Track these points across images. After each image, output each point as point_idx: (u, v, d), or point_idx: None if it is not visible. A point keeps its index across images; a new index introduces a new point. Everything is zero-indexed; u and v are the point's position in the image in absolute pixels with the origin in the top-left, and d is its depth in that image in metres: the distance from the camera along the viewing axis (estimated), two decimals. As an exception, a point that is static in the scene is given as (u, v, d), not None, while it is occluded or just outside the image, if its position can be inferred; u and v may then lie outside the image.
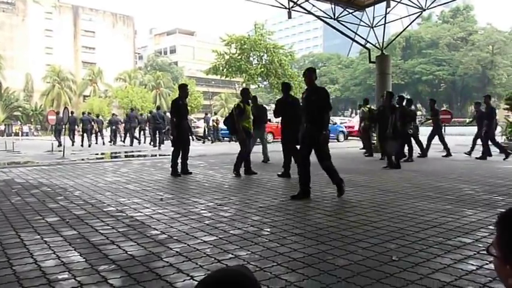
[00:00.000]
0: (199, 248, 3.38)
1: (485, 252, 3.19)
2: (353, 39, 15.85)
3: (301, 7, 14.22)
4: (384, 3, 14.46)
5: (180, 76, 68.62)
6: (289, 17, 13.92)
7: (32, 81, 58.24)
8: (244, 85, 36.59)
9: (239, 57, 33.52)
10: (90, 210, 4.78)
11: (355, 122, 26.49)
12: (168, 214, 4.59)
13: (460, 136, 18.31)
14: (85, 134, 19.68)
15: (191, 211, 4.73)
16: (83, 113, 22.26)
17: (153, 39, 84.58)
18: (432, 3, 14.81)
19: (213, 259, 3.11)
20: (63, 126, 17.46)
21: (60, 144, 15.11)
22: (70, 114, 16.27)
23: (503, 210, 0.96)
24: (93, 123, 20.77)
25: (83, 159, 12.29)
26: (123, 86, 57.04)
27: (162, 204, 5.10)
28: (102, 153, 15.19)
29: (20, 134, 39.29)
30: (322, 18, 16.15)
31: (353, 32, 15.44)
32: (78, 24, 68.06)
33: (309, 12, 15.22)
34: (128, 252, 3.26)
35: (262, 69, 32.80)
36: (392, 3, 14.53)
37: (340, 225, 4.09)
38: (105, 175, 7.94)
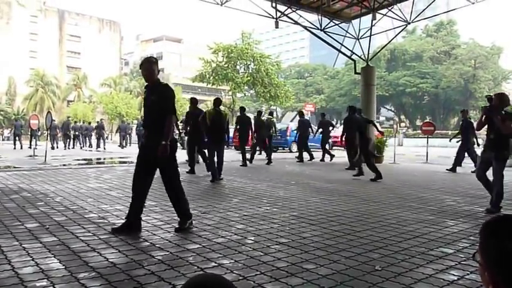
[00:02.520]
0: (182, 256, 3.34)
1: (466, 262, 3.23)
2: (339, 50, 16.03)
3: (289, 17, 14.35)
4: (370, 16, 14.70)
5: (166, 83, 68.25)
6: (276, 26, 14.02)
7: (14, 85, 57.35)
8: (230, 93, 36.74)
9: (226, 65, 33.64)
10: (71, 217, 4.69)
11: (340, 132, 26.67)
12: (151, 221, 4.54)
13: (443, 148, 18.61)
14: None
15: (174, 219, 4.66)
16: (68, 117, 21.90)
17: (140, 45, 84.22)
18: (416, 17, 15.10)
19: (195, 267, 3.07)
20: (44, 131, 17.22)
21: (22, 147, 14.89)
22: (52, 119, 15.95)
23: (483, 221, 0.98)
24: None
25: (64, 165, 12.09)
26: (108, 92, 56.49)
27: (144, 212, 5.00)
28: (84, 159, 14.98)
29: (0, 138, 38.52)
30: (309, 28, 16.32)
31: (339, 43, 15.63)
32: (64, 29, 67.44)
33: (296, 23, 15.36)
34: (109, 260, 3.20)
35: (249, 78, 32.97)
36: (378, 16, 14.76)
37: (324, 234, 4.09)
38: (88, 181, 7.82)
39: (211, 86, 35.89)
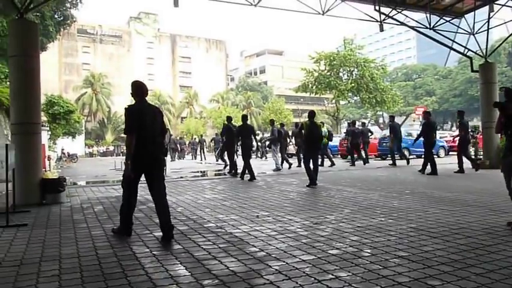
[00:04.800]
0: (298, 266, 3.36)
1: None
2: (451, 48, 14.89)
3: (394, 19, 13.76)
4: (485, 8, 13.42)
5: (269, 95, 70.06)
6: (381, 30, 13.53)
7: (136, 106, 63.62)
8: (334, 101, 36.28)
9: (328, 73, 33.38)
10: (192, 226, 5.03)
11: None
12: (265, 231, 4.65)
13: None
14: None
15: (287, 229, 4.74)
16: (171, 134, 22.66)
17: (244, 61, 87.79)
18: (544, 3, 13.39)
19: (313, 279, 3.07)
20: (166, 146, 18.76)
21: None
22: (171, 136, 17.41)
23: None
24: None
25: (181, 177, 13.01)
26: (216, 107, 59.80)
27: (258, 222, 5.19)
28: (200, 171, 15.95)
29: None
30: (416, 28, 15.47)
31: (451, 40, 14.52)
32: (176, 51, 73.24)
33: (402, 24, 14.66)
34: (230, 268, 3.35)
35: (353, 85, 32.24)
36: (496, 7, 13.42)
37: (448, 248, 3.79)
38: (204, 192, 8.32)
39: (314, 95, 35.76)
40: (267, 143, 17.28)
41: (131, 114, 4.45)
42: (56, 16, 25.42)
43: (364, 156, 16.24)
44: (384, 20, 13.37)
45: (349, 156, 16.78)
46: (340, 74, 34.12)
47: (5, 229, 5.01)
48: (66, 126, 24.26)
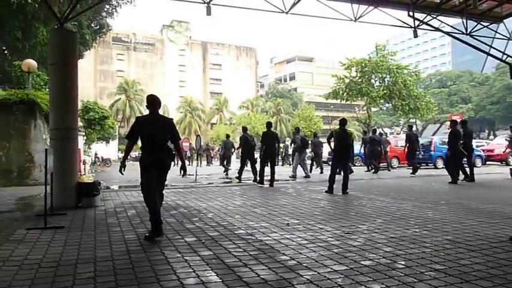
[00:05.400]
0: (329, 277, 3.31)
1: None
2: (488, 54, 14.43)
3: (428, 24, 13.46)
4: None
5: (299, 102, 69.89)
6: (415, 36, 13.24)
7: (168, 112, 64.76)
8: (365, 108, 35.74)
9: (360, 80, 32.92)
10: (223, 232, 5.05)
11: (494, 144, 23.87)
12: (295, 240, 4.61)
13: None
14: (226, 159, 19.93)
15: (318, 238, 4.68)
16: (227, 136, 22.14)
17: (274, 67, 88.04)
18: None
19: (345, 290, 3.01)
20: (196, 152, 19.07)
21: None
22: (202, 142, 17.70)
23: None
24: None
25: (211, 183, 13.11)
26: (246, 113, 60.10)
27: (289, 230, 5.16)
28: (229, 178, 16.03)
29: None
30: (452, 34, 15.08)
31: (488, 45, 14.08)
32: (207, 58, 74.33)
33: (437, 29, 14.35)
34: (261, 276, 3.34)
35: (385, 91, 31.66)
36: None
37: (488, 262, 3.65)
38: (234, 198, 8.35)
39: (344, 102, 35.36)
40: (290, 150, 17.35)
41: (134, 124, 5.15)
42: (92, 25, 26.29)
43: (377, 165, 16.38)
44: (418, 25, 13.09)
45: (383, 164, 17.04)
46: (372, 81, 33.56)
47: (43, 231, 5.18)
48: (101, 132, 24.92)
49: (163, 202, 5.43)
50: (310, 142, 16.62)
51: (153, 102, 5.17)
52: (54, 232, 5.13)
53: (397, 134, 43.94)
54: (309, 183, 12.04)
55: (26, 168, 11.51)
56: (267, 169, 11.33)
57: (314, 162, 17.27)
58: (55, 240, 4.73)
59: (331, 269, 3.53)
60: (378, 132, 18.34)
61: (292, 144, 16.76)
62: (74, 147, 7.84)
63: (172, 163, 5.49)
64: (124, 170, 5.17)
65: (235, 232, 5.06)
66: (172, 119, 5.55)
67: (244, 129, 13.93)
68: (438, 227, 5.26)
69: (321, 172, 15.83)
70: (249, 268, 3.56)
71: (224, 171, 17.39)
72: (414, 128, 59.13)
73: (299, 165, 14.66)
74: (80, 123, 19.68)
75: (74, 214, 6.49)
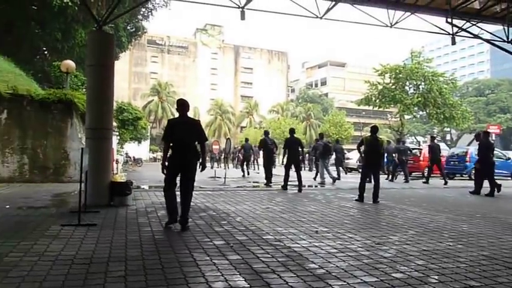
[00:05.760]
0: (359, 288, 3.24)
1: None
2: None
3: (467, 31, 13.07)
4: None
5: (330, 107, 69.27)
6: (453, 43, 12.86)
7: (198, 114, 65.52)
8: (398, 115, 35.04)
9: (393, 86, 32.33)
10: (251, 237, 5.04)
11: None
12: (324, 248, 4.55)
13: None
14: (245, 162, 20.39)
15: (348, 247, 4.60)
16: (246, 140, 22.69)
17: (305, 72, 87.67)
18: None
19: (376, 302, 2.94)
20: (226, 155, 19.34)
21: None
22: (232, 145, 17.94)
23: None
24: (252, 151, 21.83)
25: (240, 187, 13.13)
26: (276, 118, 60.03)
27: (317, 237, 5.10)
28: (256, 182, 16.04)
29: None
30: (492, 41, 14.59)
31: (530, 53, 13.52)
32: (239, 62, 74.83)
33: (476, 37, 13.93)
34: (289, 284, 3.30)
35: (419, 99, 30.95)
36: None
37: (527, 281, 3.48)
38: (262, 203, 8.34)
39: (377, 109, 34.78)
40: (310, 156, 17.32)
41: (167, 126, 5.67)
42: (128, 27, 27.00)
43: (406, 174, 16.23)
44: (457, 32, 12.74)
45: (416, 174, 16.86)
46: (406, 88, 32.89)
47: (77, 227, 5.33)
48: (134, 132, 25.45)
49: (192, 203, 5.52)
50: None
51: (183, 105, 5.66)
52: (87, 229, 5.26)
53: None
54: (338, 190, 11.88)
55: (62, 166, 11.88)
56: (293, 174, 11.45)
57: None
58: (88, 237, 4.85)
59: (361, 280, 3.45)
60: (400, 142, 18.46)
61: (314, 151, 16.89)
62: (108, 147, 8.04)
63: (198, 168, 5.74)
64: (166, 170, 5.55)
65: (264, 237, 5.04)
66: (199, 120, 5.96)
67: (266, 132, 14.70)
68: (473, 241, 5.07)
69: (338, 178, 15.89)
70: (277, 275, 3.53)
71: (242, 175, 18.07)
72: (448, 137, 57.61)
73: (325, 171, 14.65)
74: (114, 124, 20.20)
75: (106, 212, 6.64)
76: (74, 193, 8.79)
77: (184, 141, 5.48)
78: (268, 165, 13.61)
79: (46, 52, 23.61)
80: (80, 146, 10.67)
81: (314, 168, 18.11)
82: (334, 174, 15.11)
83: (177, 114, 5.68)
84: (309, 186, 13.70)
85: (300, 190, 10.94)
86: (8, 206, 6.99)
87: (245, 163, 19.45)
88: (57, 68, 18.07)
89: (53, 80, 20.15)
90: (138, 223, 5.84)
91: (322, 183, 13.97)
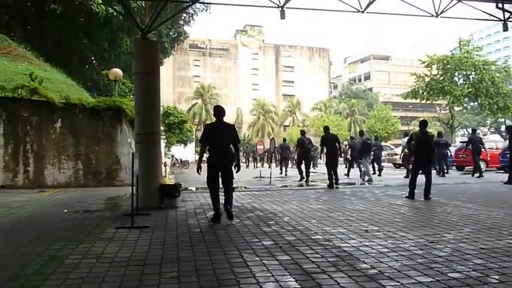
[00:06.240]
0: (414, 288, 3.15)
1: None
2: None
3: (520, 16, 12.31)
4: None
5: (375, 102, 67.69)
6: (505, 29, 12.15)
7: (241, 115, 66.23)
8: (447, 107, 33.67)
9: (441, 78, 31.11)
10: (299, 237, 5.02)
11: None
12: (375, 247, 4.45)
13: None
14: (283, 162, 20.55)
15: (400, 246, 4.48)
16: (284, 140, 23.50)
17: (348, 67, 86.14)
18: None
19: (432, 304, 2.84)
20: (271, 155, 19.53)
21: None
22: (276, 144, 18.13)
23: None
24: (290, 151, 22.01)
25: (286, 186, 13.13)
26: (319, 115, 59.45)
27: (368, 237, 5.00)
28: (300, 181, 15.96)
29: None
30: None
31: None
32: (279, 61, 74.69)
33: (531, 21, 13.07)
34: (340, 284, 3.26)
35: (470, 89, 29.62)
36: None
37: None
38: (309, 202, 8.28)
39: (425, 102, 33.57)
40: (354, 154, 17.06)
41: (204, 130, 6.30)
42: (170, 33, 27.74)
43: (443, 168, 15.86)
44: (509, 18, 12.03)
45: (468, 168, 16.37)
46: (455, 79, 31.54)
47: (131, 230, 5.53)
48: (180, 135, 26.15)
49: (239, 204, 5.57)
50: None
51: (219, 111, 6.32)
52: (140, 231, 5.45)
53: (484, 134, 40.86)
54: (388, 187, 11.59)
55: (114, 170, 12.39)
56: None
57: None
58: (141, 239, 5.02)
59: (416, 280, 3.35)
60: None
61: (349, 151, 16.80)
62: (157, 151, 8.29)
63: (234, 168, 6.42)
64: (201, 171, 6.27)
65: (312, 237, 5.01)
66: (234, 125, 6.72)
67: (302, 132, 15.48)
68: (537, 238, 4.78)
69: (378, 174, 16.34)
70: (327, 275, 3.50)
71: (280, 173, 18.86)
72: (503, 128, 54.56)
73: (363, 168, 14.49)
74: (161, 128, 20.82)
75: (157, 214, 6.85)
76: (125, 196, 9.13)
77: (219, 143, 6.14)
78: (306, 163, 14.29)
79: (94, 61, 24.75)
80: (130, 151, 11.09)
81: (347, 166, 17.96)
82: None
83: (226, 113, 6.30)
84: (360, 184, 13.46)
85: (332, 186, 11.34)
86: (65, 211, 7.38)
87: (283, 163, 19.82)
88: (105, 76, 18.90)
89: (102, 88, 21.10)
90: (188, 224, 5.98)
91: (370, 181, 13.65)
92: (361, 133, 16.07)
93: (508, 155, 18.10)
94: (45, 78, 13.71)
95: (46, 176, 11.82)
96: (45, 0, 18.80)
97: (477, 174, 14.94)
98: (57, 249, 4.49)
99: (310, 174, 14.46)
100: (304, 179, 13.86)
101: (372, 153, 16.01)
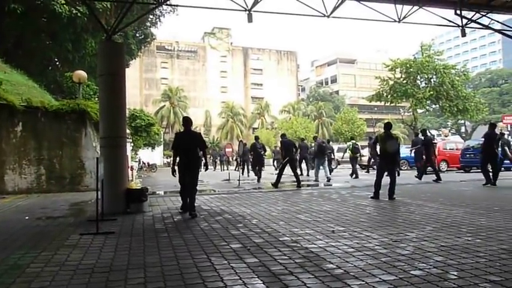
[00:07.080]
0: (378, 287, 3.23)
1: None
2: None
3: (477, 23, 12.88)
4: None
5: (341, 105, 68.94)
6: (463, 35, 12.71)
7: (210, 117, 65.96)
8: (411, 110, 34.71)
9: (405, 81, 32.06)
10: (268, 239, 5.05)
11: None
12: (341, 248, 4.54)
13: None
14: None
15: (365, 246, 4.59)
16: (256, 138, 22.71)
17: (315, 70, 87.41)
18: None
19: (395, 301, 2.93)
20: (241, 158, 19.47)
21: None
22: (244, 147, 18.14)
23: None
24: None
25: (255, 189, 13.16)
26: (287, 118, 59.94)
27: (334, 237, 5.09)
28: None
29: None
30: (503, 31, 14.37)
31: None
32: (248, 64, 74.90)
33: (487, 27, 13.72)
34: (307, 285, 3.30)
35: (432, 92, 30.65)
36: None
37: (550, 274, 3.43)
38: (277, 204, 8.35)
39: (389, 104, 34.50)
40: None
41: (174, 138, 7.55)
42: (137, 35, 27.29)
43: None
44: (466, 24, 12.57)
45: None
46: (418, 82, 32.58)
47: (96, 236, 5.40)
48: (147, 138, 25.72)
49: (208, 207, 5.51)
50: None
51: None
52: (106, 237, 5.33)
53: (445, 136, 42.36)
54: (354, 188, 11.84)
55: (78, 175, 12.06)
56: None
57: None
58: (106, 245, 4.91)
59: (380, 278, 3.44)
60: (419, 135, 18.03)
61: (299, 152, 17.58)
62: (123, 154, 8.13)
63: (203, 168, 7.54)
64: (176, 173, 7.25)
65: (280, 239, 5.05)
66: (200, 133, 7.90)
67: (256, 138, 17.48)
68: (492, 235, 5.01)
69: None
70: (295, 276, 3.54)
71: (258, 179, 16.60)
72: (463, 130, 56.82)
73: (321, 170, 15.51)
74: (128, 131, 20.42)
75: (123, 220, 6.72)
76: (90, 202, 8.91)
77: (187, 148, 7.18)
78: (259, 166, 16.28)
79: (58, 63, 23.97)
80: (95, 155, 10.83)
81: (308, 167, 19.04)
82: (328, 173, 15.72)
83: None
84: (326, 185, 13.68)
85: (299, 186, 12.39)
86: (27, 217, 7.13)
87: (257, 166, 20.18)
88: (69, 78, 18.34)
89: (65, 91, 20.45)
90: (155, 229, 5.90)
91: (316, 181, 14.81)
92: (315, 138, 17.64)
93: (467, 155, 18.88)
94: (4, 80, 13.17)
95: (6, 182, 11.37)
96: (5, -1, 18.09)
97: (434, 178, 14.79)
98: (18, 257, 4.34)
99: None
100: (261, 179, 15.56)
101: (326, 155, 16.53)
